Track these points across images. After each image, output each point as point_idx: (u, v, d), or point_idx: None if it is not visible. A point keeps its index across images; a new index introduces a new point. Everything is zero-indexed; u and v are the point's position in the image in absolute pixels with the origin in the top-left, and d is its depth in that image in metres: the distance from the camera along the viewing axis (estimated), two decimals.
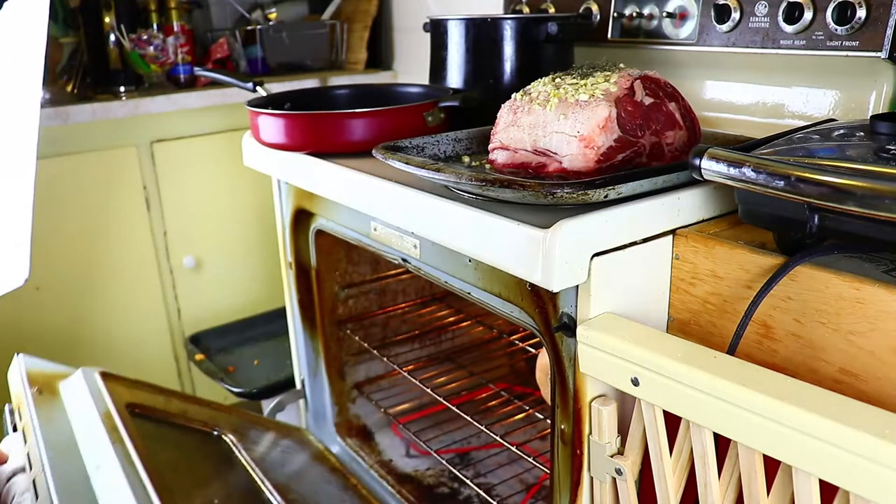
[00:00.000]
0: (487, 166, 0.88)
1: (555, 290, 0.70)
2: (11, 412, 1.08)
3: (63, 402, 1.10)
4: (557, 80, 0.87)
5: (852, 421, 0.52)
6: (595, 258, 0.71)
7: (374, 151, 0.88)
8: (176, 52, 2.01)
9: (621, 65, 0.92)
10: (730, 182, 0.67)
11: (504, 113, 0.87)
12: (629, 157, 0.81)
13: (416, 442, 1.24)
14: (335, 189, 1.01)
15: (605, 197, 0.70)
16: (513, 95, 0.88)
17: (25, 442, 1.00)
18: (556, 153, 0.80)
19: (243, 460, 1.20)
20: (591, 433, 0.75)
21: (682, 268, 0.76)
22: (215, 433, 1.26)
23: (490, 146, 0.87)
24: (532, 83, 0.89)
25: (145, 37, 1.97)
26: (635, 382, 0.66)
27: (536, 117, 0.83)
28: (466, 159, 0.96)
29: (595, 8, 1.27)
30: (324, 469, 1.28)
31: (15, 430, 1.05)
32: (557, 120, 0.81)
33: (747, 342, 0.70)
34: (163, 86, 2.00)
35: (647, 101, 0.85)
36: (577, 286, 0.72)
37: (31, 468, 0.98)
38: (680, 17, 1.15)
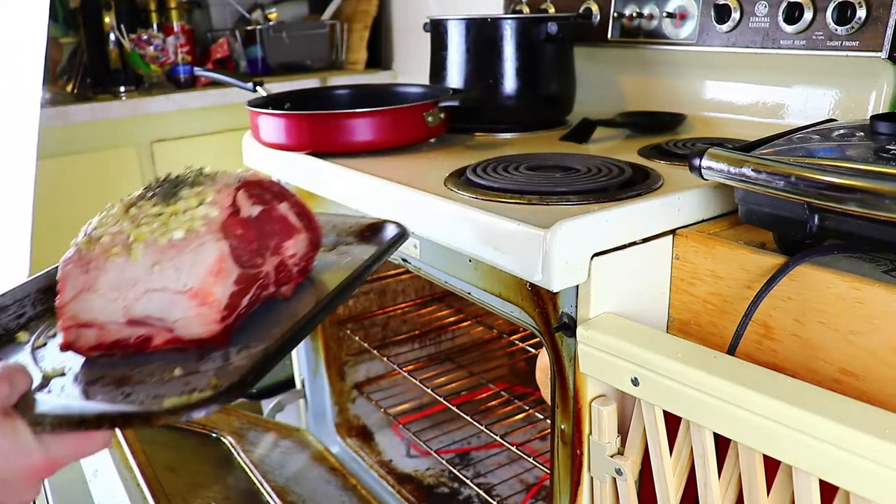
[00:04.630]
0: (58, 342, 0.61)
1: (555, 290, 0.70)
2: None
3: None
4: (133, 209, 0.63)
5: (852, 421, 0.52)
6: (595, 258, 0.71)
7: None
8: (176, 52, 2.01)
9: (206, 168, 0.69)
10: (730, 182, 0.67)
11: (70, 273, 0.60)
12: (256, 296, 0.64)
13: (416, 442, 1.24)
14: (335, 189, 1.01)
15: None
16: (73, 244, 0.62)
17: None
18: (161, 319, 0.59)
19: (242, 462, 1.20)
20: (591, 433, 0.75)
21: (682, 268, 0.76)
22: (214, 435, 1.26)
23: (60, 324, 0.60)
24: (97, 219, 0.63)
25: (145, 37, 1.97)
26: (635, 382, 0.66)
27: (120, 274, 0.59)
28: (23, 336, 0.65)
29: (595, 8, 1.28)
30: (323, 470, 1.28)
31: None
32: (151, 273, 0.58)
33: (747, 342, 0.70)
34: (163, 86, 2.00)
35: (255, 211, 0.66)
36: (577, 286, 0.72)
37: None
38: (680, 17, 1.15)
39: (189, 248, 0.59)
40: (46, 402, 0.53)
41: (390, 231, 0.76)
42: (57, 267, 0.66)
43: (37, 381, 0.56)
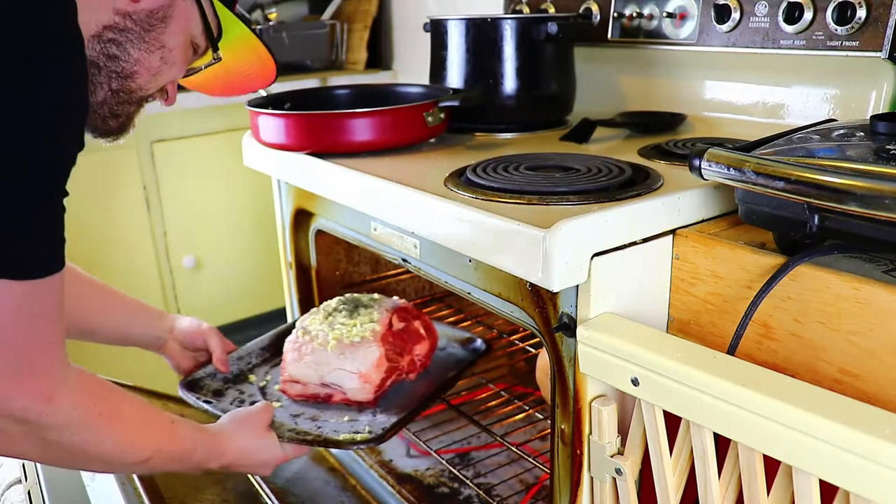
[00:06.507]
0: (276, 386, 1.07)
1: (555, 290, 0.70)
2: None
3: None
4: (330, 318, 1.07)
5: (852, 421, 0.52)
6: (595, 258, 0.71)
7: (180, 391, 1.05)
8: None
9: (375, 295, 1.14)
10: (730, 182, 0.67)
11: (290, 349, 1.06)
12: (395, 380, 1.05)
13: (416, 442, 1.24)
14: (335, 189, 1.01)
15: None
16: (294, 333, 1.08)
17: None
18: (340, 386, 1.01)
19: None
20: (591, 433, 0.75)
21: (682, 268, 0.76)
22: None
23: (282, 378, 1.06)
24: (308, 319, 1.09)
25: None
26: (635, 382, 0.66)
27: (320, 356, 1.02)
28: (253, 378, 1.11)
29: (595, 8, 1.28)
30: (323, 470, 1.28)
31: None
32: (338, 358, 1.01)
33: (747, 342, 0.70)
34: None
35: (400, 325, 1.08)
36: (577, 286, 0.72)
37: (26, 479, 0.98)
38: (680, 17, 1.15)
39: (362, 348, 1.02)
40: (283, 426, 0.97)
41: (479, 343, 1.21)
42: (270, 334, 1.19)
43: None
